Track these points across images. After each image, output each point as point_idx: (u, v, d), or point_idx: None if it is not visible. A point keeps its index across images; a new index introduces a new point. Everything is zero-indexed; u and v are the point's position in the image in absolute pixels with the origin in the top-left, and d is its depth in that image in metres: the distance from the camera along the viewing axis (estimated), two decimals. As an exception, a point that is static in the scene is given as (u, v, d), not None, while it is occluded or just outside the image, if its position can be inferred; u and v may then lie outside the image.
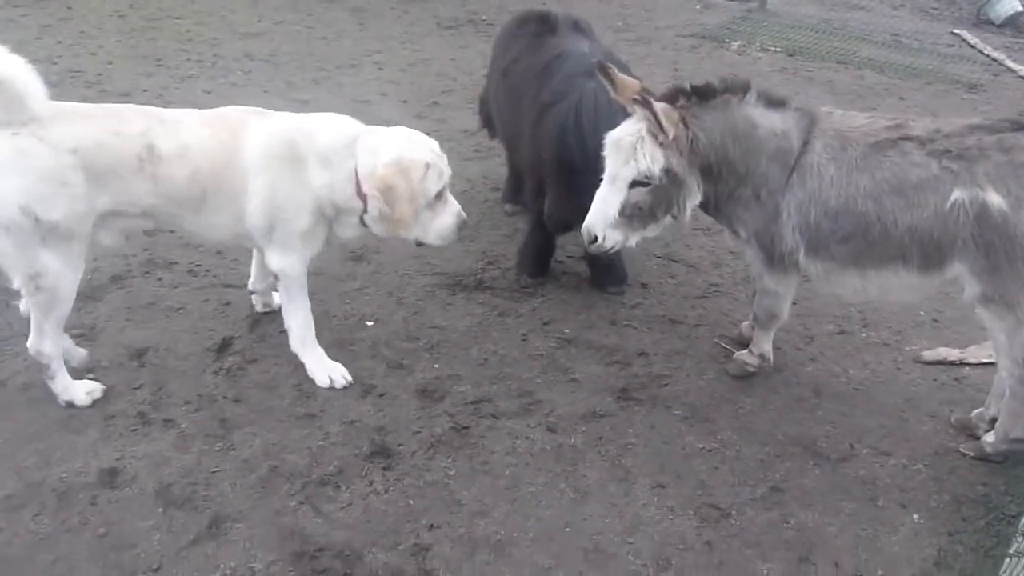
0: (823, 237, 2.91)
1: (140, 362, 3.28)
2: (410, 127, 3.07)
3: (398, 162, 2.83)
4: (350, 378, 3.22)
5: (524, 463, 2.92)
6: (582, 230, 2.98)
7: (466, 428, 3.05)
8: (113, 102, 5.71)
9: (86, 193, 2.69)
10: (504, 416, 3.12)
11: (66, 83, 6.12)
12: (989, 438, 3.03)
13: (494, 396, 3.22)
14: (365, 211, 2.93)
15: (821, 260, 2.97)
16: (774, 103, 2.99)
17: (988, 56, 8.52)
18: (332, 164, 2.90)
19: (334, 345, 3.42)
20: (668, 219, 3.02)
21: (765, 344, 3.39)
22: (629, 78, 3.01)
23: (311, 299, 3.21)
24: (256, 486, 2.74)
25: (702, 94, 2.93)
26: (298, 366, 3.28)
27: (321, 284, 3.82)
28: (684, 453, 3.00)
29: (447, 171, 2.97)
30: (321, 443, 2.94)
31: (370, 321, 3.64)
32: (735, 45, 8.23)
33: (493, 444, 2.99)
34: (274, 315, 3.58)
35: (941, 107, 6.87)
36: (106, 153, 2.71)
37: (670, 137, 2.81)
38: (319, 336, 3.28)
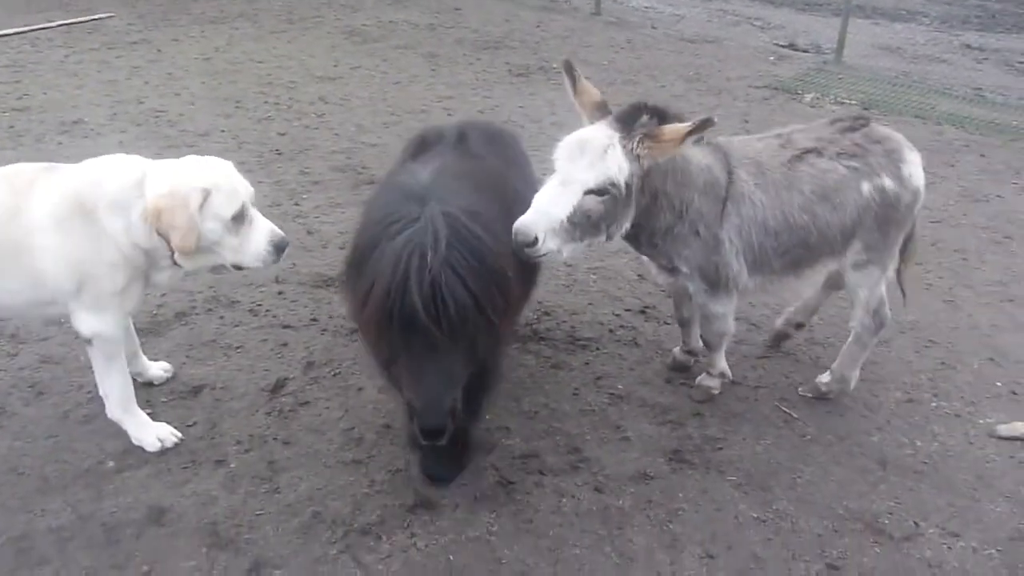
0: (765, 255, 3.13)
1: (196, 399, 3.35)
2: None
3: (172, 192, 2.67)
4: (179, 434, 3.11)
5: (569, 523, 2.84)
6: (514, 229, 2.57)
7: (512, 483, 3.00)
8: (192, 141, 6.01)
9: None
10: (551, 473, 3.06)
11: (150, 122, 6.40)
12: (824, 378, 3.52)
13: (542, 451, 3.17)
14: (170, 249, 2.77)
15: (762, 275, 3.20)
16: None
17: (1078, 113, 8.17)
18: (124, 207, 2.73)
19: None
20: (603, 237, 2.78)
21: (721, 362, 3.51)
22: (591, 86, 2.95)
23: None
24: (298, 531, 2.74)
25: (662, 117, 2.74)
26: (349, 409, 3.30)
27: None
28: (736, 522, 2.89)
29: (244, 191, 2.79)
30: (366, 491, 2.93)
31: (423, 368, 3.62)
32: (808, 97, 8.10)
33: (539, 501, 2.93)
34: (329, 357, 3.62)
35: (1026, 166, 6.60)
36: None
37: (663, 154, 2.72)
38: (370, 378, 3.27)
